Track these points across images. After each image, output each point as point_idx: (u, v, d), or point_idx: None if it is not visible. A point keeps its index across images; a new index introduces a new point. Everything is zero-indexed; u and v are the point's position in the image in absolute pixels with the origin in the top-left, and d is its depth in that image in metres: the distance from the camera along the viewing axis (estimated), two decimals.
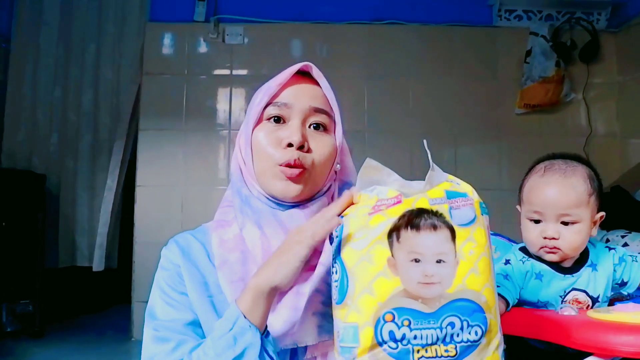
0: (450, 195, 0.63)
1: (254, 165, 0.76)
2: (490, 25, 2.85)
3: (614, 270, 0.97)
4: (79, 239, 2.90)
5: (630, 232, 1.88)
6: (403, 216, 0.61)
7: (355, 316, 0.59)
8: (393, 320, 0.58)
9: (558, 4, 2.81)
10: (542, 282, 0.96)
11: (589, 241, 0.99)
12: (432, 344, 0.58)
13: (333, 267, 0.64)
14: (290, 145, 0.73)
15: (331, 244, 0.66)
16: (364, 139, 2.73)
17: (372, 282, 0.59)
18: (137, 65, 2.85)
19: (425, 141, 0.67)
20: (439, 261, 0.60)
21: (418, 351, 0.58)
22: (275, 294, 0.66)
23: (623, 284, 0.98)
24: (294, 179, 0.73)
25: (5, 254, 2.53)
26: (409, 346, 0.58)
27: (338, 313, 0.62)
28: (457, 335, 0.59)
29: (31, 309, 2.63)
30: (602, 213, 0.97)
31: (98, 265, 2.82)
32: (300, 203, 0.76)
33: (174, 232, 0.85)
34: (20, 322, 2.62)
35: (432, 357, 0.58)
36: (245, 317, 0.64)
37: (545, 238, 0.95)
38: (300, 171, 0.73)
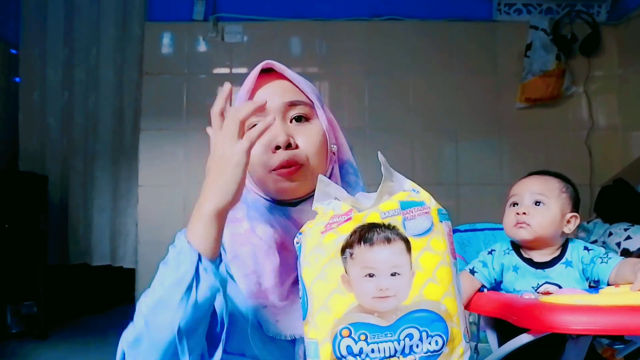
0: (405, 205, 0.62)
1: (251, 175, 0.77)
2: (489, 20, 2.84)
3: (584, 269, 1.09)
4: (87, 238, 2.95)
5: (633, 225, 1.88)
6: (354, 232, 0.61)
7: (315, 332, 0.60)
8: (350, 336, 0.59)
9: None
10: (517, 274, 1.12)
11: (572, 240, 1.13)
12: (390, 357, 0.59)
13: (299, 283, 0.65)
14: (278, 147, 0.73)
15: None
16: (365, 136, 2.73)
17: (327, 300, 0.60)
18: (139, 65, 2.88)
19: (379, 153, 0.64)
20: (393, 274, 0.59)
21: None
22: (225, 216, 0.66)
23: (596, 282, 1.07)
24: (292, 177, 0.73)
25: (9, 255, 2.54)
26: None
27: (304, 328, 0.63)
28: (417, 346, 0.59)
29: (35, 310, 2.64)
30: (575, 214, 1.13)
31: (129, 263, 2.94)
32: (307, 197, 0.76)
33: (177, 231, 0.85)
34: (24, 323, 2.63)
35: None
36: (189, 244, 0.65)
37: (517, 214, 1.12)
38: (295, 168, 0.73)
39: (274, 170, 0.74)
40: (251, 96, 0.77)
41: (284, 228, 0.75)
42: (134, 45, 2.90)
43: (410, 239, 0.60)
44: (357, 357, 0.58)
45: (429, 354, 0.59)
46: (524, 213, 1.11)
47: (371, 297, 0.59)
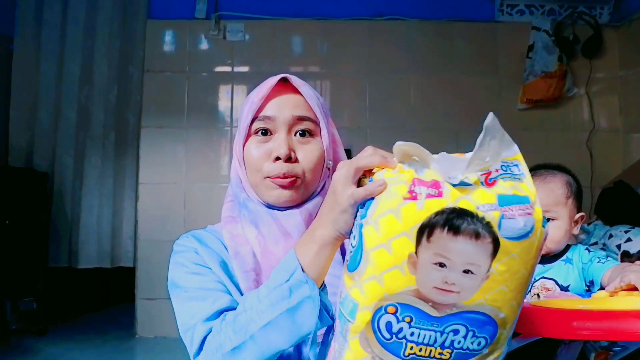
0: (505, 200, 0.53)
1: (248, 177, 0.81)
2: (492, 20, 2.84)
3: (583, 268, 1.09)
4: (83, 239, 2.90)
5: (633, 227, 1.87)
6: (442, 212, 0.52)
7: (357, 295, 0.56)
8: (394, 314, 0.55)
9: None
10: None
11: (575, 244, 1.13)
12: (428, 345, 0.55)
13: (352, 232, 0.59)
14: (278, 158, 0.77)
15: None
16: (366, 135, 2.73)
17: (384, 272, 0.54)
18: (137, 62, 2.88)
19: (491, 113, 0.54)
20: (466, 271, 0.53)
21: (411, 348, 0.55)
22: (336, 248, 0.65)
23: (592, 283, 1.07)
24: (286, 187, 0.77)
25: (9, 252, 2.54)
26: (403, 341, 0.55)
27: (345, 277, 0.59)
28: (459, 342, 0.55)
29: (35, 306, 2.65)
30: (582, 213, 1.12)
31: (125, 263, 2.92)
32: (296, 205, 0.80)
33: (177, 229, 0.86)
34: (24, 319, 2.63)
35: (424, 356, 0.56)
36: (303, 270, 0.64)
37: None
38: (291, 180, 0.77)
39: (269, 177, 0.78)
40: (264, 104, 0.80)
41: (268, 232, 0.78)
42: (135, 42, 2.89)
43: (501, 240, 0.52)
44: (394, 335, 0.55)
45: (467, 351, 0.56)
46: None
47: (433, 286, 0.53)
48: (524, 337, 0.88)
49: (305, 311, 0.63)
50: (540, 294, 1.08)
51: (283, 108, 0.79)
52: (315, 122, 0.81)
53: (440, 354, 0.55)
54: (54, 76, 2.90)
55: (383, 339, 0.56)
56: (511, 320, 0.57)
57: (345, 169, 0.61)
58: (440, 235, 0.52)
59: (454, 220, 0.52)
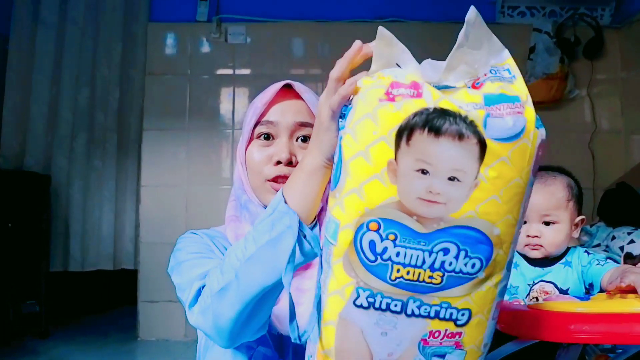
0: (491, 100, 0.49)
1: (249, 179, 0.84)
2: (492, 22, 2.84)
3: (582, 271, 1.09)
4: (85, 241, 2.89)
5: (636, 229, 1.87)
6: (420, 113, 0.49)
7: (339, 213, 0.53)
8: (377, 231, 0.51)
9: (561, 0, 2.79)
10: (516, 270, 1.11)
11: (575, 247, 1.13)
12: (416, 267, 0.51)
13: (336, 149, 0.56)
14: (279, 162, 0.79)
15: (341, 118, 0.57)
16: None
17: (364, 184, 0.51)
18: (139, 65, 2.88)
19: (472, 7, 0.54)
20: (452, 178, 0.49)
21: (398, 270, 0.51)
22: (324, 178, 0.62)
23: (591, 286, 1.07)
24: None
25: (11, 254, 2.54)
26: (389, 262, 0.51)
27: (330, 198, 0.56)
28: (450, 264, 0.51)
29: (37, 309, 2.65)
30: (583, 217, 1.12)
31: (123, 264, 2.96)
32: None
33: (178, 231, 0.87)
34: (26, 322, 2.63)
35: (412, 281, 0.51)
36: (286, 202, 0.62)
37: (528, 236, 1.09)
38: None
39: (270, 180, 0.80)
40: (267, 109, 0.82)
41: None
42: (136, 45, 2.89)
43: (488, 141, 0.49)
44: (378, 256, 0.51)
45: (459, 274, 0.51)
46: (536, 236, 1.08)
47: (416, 197, 0.50)
48: (522, 340, 0.87)
49: (286, 242, 0.60)
50: (539, 298, 1.07)
51: (286, 113, 0.81)
52: None
53: (430, 277, 0.51)
54: (49, 77, 2.85)
55: (367, 261, 0.52)
56: (508, 238, 0.52)
57: (326, 87, 0.58)
58: (420, 138, 0.49)
59: (434, 121, 0.48)
